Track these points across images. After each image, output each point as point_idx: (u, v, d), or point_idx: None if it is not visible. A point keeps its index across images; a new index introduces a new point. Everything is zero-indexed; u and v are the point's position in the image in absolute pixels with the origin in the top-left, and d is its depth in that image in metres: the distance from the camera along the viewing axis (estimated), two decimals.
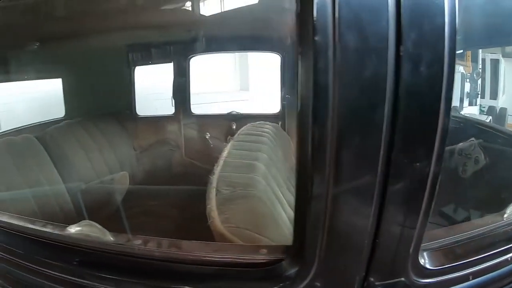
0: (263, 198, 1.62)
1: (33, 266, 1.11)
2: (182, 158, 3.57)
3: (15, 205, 2.20)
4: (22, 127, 3.10)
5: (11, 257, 1.18)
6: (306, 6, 0.66)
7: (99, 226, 1.07)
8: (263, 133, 2.59)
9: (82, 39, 3.03)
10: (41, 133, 2.87)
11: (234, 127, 3.30)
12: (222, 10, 3.09)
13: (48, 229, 1.15)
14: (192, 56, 3.54)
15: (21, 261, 1.15)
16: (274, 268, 0.87)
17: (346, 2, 0.63)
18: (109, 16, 2.86)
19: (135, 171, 3.50)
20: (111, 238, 1.04)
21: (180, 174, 3.49)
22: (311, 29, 0.65)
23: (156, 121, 3.87)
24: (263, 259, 0.89)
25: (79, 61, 3.40)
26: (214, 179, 1.68)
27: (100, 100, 3.53)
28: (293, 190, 1.93)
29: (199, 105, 3.90)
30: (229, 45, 3.54)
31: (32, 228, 1.17)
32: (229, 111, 3.63)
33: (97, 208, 2.45)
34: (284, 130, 3.22)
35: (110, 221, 1.24)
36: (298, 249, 0.84)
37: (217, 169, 1.80)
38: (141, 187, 3.12)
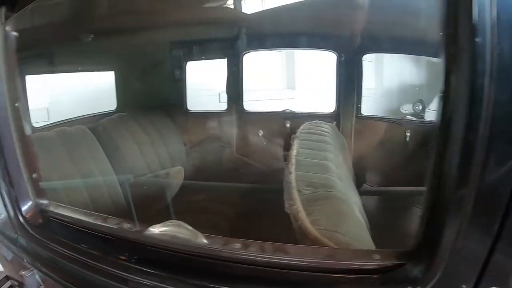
0: (344, 200, 1.55)
1: (105, 267, 1.07)
2: (233, 155, 3.51)
3: (68, 195, 2.19)
4: (76, 118, 3.13)
5: (78, 256, 1.15)
6: (464, 6, 0.60)
7: (189, 227, 1.00)
8: (324, 132, 2.51)
9: (136, 33, 3.03)
10: (93, 125, 2.87)
11: (288, 125, 3.20)
12: (279, 6, 3.01)
13: (125, 228, 1.10)
14: (246, 53, 3.48)
15: (88, 260, 1.12)
16: (397, 272, 0.80)
17: (505, 3, 0.58)
18: (164, 11, 2.84)
19: (185, 166, 3.44)
20: (204, 241, 0.96)
21: (230, 170, 3.43)
22: (470, 30, 0.60)
23: (208, 117, 3.82)
24: (379, 264, 0.82)
25: (132, 55, 3.42)
26: (292, 178, 1.58)
27: (152, 94, 3.54)
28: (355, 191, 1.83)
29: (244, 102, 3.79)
30: (284, 42, 3.52)
31: (107, 227, 1.14)
32: (282, 109, 3.51)
33: (150, 202, 2.42)
34: (339, 130, 3.09)
35: (161, 216, 1.14)
36: (427, 253, 0.76)
37: (292, 168, 1.69)
38: (195, 182, 3.05)
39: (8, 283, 2.12)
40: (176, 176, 2.95)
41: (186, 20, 2.98)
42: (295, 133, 2.63)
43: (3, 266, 2.02)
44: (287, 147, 2.99)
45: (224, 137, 3.61)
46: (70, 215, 1.23)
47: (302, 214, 1.26)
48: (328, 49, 3.21)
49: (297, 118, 3.27)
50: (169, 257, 0.97)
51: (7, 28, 1.18)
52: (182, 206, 2.50)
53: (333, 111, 3.25)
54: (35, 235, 1.27)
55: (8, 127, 1.19)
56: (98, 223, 1.14)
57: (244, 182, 3.11)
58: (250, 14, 3.08)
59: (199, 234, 0.96)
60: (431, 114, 3.65)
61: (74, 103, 3.72)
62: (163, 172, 3.06)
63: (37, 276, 1.36)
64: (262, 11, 3.07)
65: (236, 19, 3.18)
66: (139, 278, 0.98)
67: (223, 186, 2.97)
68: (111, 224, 1.11)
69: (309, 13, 2.74)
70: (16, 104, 1.19)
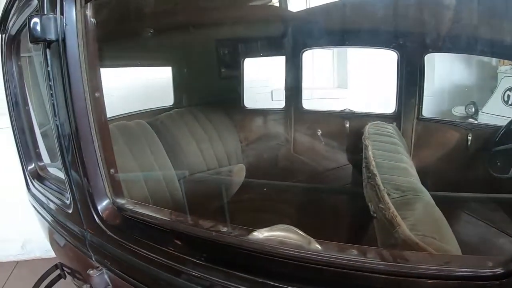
0: (434, 204, 1.48)
1: (195, 272, 0.99)
2: (289, 154, 3.46)
3: (128, 188, 2.16)
4: (134, 113, 3.15)
5: (163, 259, 1.07)
6: None
7: (301, 232, 0.90)
8: (390, 133, 2.45)
9: (194, 30, 3.03)
10: (152, 119, 2.86)
11: (347, 125, 3.08)
12: (340, 1, 2.89)
13: (224, 231, 1.00)
14: (306, 50, 3.38)
15: (175, 264, 1.04)
16: None
17: None
18: (223, 8, 2.80)
19: (240, 163, 3.43)
20: (318, 247, 0.86)
21: (286, 169, 3.37)
22: None
23: (265, 114, 3.78)
24: (494, 271, 0.73)
25: (190, 51, 3.42)
26: (379, 181, 1.50)
27: (209, 90, 3.53)
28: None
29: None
30: (344, 40, 3.36)
31: (203, 230, 1.04)
32: (342, 109, 3.39)
33: (211, 198, 2.37)
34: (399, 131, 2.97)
35: (219, 214, 1.03)
36: None
37: (376, 170, 1.60)
38: (255, 181, 2.98)
39: (57, 272, 2.12)
40: (238, 174, 2.93)
41: (245, 17, 2.95)
42: (355, 133, 2.53)
43: (56, 253, 2.01)
44: (346, 147, 2.90)
45: (281, 135, 3.53)
46: (153, 215, 1.16)
47: (400, 219, 1.18)
48: (389, 48, 3.09)
49: (357, 118, 3.20)
50: (274, 263, 0.88)
51: (87, 12, 1.10)
52: (242, 204, 2.46)
53: (394, 112, 3.13)
54: (111, 234, 1.20)
55: (87, 119, 1.12)
56: (190, 226, 1.05)
57: (300, 181, 3.03)
58: (310, 9, 2.97)
59: (312, 240, 0.86)
60: (485, 117, 3.57)
61: (129, 98, 3.74)
62: (225, 169, 3.06)
63: (105, 276, 1.30)
64: (323, 6, 2.94)
65: (296, 15, 3.07)
66: (234, 285, 0.91)
67: (283, 185, 2.87)
68: (206, 226, 1.02)
69: (372, 10, 2.60)
70: (96, 94, 1.12)
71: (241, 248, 0.93)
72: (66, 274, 2.20)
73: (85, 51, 1.13)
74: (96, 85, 1.15)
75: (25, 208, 3.90)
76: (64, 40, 1.11)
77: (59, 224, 1.65)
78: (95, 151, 1.19)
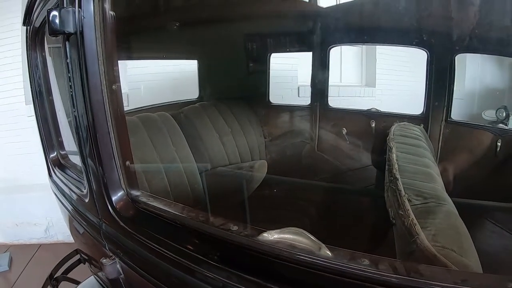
0: (456, 214, 1.41)
1: (200, 268, 0.99)
2: (313, 151, 3.42)
3: (149, 180, 2.19)
4: (158, 105, 3.17)
5: (172, 253, 1.08)
6: None
7: (311, 237, 0.87)
8: (417, 136, 2.37)
9: (220, 23, 3.01)
10: (175, 112, 2.88)
11: (373, 125, 3.02)
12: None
13: (233, 230, 0.99)
14: (333, 46, 3.34)
15: (182, 259, 1.04)
16: None
17: None
18: (251, 2, 2.77)
19: (263, 158, 3.41)
20: (329, 253, 0.83)
21: (309, 167, 3.34)
22: None
23: (290, 111, 3.76)
24: None
25: (216, 45, 3.41)
26: (400, 185, 1.45)
27: (234, 85, 3.52)
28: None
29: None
30: (374, 37, 3.27)
31: (213, 227, 1.03)
32: (368, 108, 3.33)
33: (231, 193, 2.37)
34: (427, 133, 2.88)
35: (238, 209, 1.02)
36: None
37: (398, 174, 1.56)
38: (276, 177, 2.96)
39: (77, 256, 2.18)
40: (259, 170, 2.91)
41: (272, 12, 2.91)
42: (381, 133, 2.48)
43: (75, 240, 2.05)
44: (371, 148, 2.84)
45: (306, 132, 3.49)
46: (166, 209, 1.17)
47: (419, 228, 1.14)
48: (420, 47, 2.97)
49: (383, 118, 3.11)
50: (279, 266, 0.86)
51: (105, 5, 1.11)
52: (262, 201, 2.45)
53: (421, 113, 3.03)
54: (124, 225, 1.21)
55: (103, 111, 1.13)
56: (201, 222, 1.05)
57: (323, 180, 2.99)
58: (339, 5, 2.92)
59: (323, 246, 0.84)
60: None
61: (154, 90, 3.78)
62: (246, 165, 3.05)
63: (118, 266, 1.32)
64: (352, 2, 2.90)
65: (325, 11, 3.03)
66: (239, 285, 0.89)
67: (305, 182, 2.84)
68: (217, 224, 1.02)
69: (403, 7, 2.57)
70: (113, 86, 1.13)
71: (249, 249, 0.92)
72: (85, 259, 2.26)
73: (103, 44, 1.13)
74: (113, 78, 1.16)
75: (49, 194, 4.03)
76: (82, 32, 1.12)
77: (77, 212, 1.68)
78: (111, 143, 1.19)
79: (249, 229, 0.97)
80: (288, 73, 4.52)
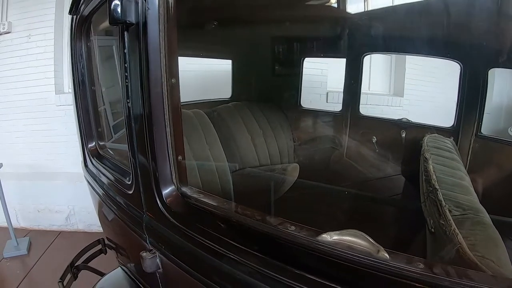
0: (493, 226, 1.41)
1: (257, 267, 0.98)
2: (342, 158, 3.40)
3: None
4: (192, 102, 3.19)
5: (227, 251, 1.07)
6: None
7: (370, 239, 0.87)
8: (449, 148, 2.35)
9: (257, 26, 3.02)
10: (209, 110, 2.88)
11: (404, 135, 2.98)
12: (406, 4, 2.79)
13: (290, 229, 0.98)
14: (367, 54, 3.31)
15: (236, 256, 1.04)
16: None
17: None
18: (288, 6, 2.77)
19: (292, 162, 3.42)
20: (387, 256, 0.83)
21: (337, 173, 3.31)
22: None
23: (321, 116, 3.77)
24: None
25: (252, 46, 3.42)
26: (440, 196, 1.47)
27: (267, 87, 3.54)
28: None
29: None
30: (407, 47, 3.27)
31: (270, 226, 1.02)
32: (400, 118, 3.29)
33: (261, 194, 2.37)
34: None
35: (268, 212, 1.01)
36: None
37: (437, 185, 1.57)
38: (306, 181, 2.95)
39: (98, 246, 2.18)
40: (292, 173, 2.91)
41: (309, 17, 2.90)
42: (411, 144, 2.45)
43: (104, 229, 2.06)
44: (401, 158, 2.81)
45: (335, 138, 3.48)
46: (220, 206, 1.16)
47: (461, 238, 1.14)
48: (453, 59, 2.94)
49: (413, 129, 3.08)
50: (338, 267, 0.86)
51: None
52: (289, 204, 2.44)
53: (452, 126, 3.00)
54: (173, 220, 1.20)
55: (161, 104, 1.12)
56: (257, 221, 1.04)
57: (349, 186, 2.96)
58: (375, 12, 2.89)
59: (381, 248, 0.84)
60: None
61: (189, 88, 3.81)
62: (279, 167, 3.05)
63: (158, 260, 1.32)
64: (388, 9, 2.86)
65: (360, 18, 3.00)
66: (295, 283, 0.90)
67: (333, 188, 2.82)
68: (274, 223, 1.01)
69: (439, 18, 2.51)
70: (173, 80, 1.12)
71: (308, 249, 0.91)
72: (107, 250, 2.26)
73: (166, 37, 1.13)
74: (173, 71, 1.16)
75: (74, 183, 4.07)
76: (145, 24, 1.12)
77: (115, 204, 1.68)
78: (166, 137, 1.19)
79: (307, 230, 0.97)
80: (318, 78, 4.51)
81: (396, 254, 0.84)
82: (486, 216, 1.47)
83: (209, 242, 1.11)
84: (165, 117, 1.17)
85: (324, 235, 0.92)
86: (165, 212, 1.24)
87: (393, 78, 5.13)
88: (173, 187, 1.25)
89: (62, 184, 4.45)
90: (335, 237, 0.91)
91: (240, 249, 1.04)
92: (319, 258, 0.90)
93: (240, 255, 1.03)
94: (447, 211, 1.35)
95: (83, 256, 2.30)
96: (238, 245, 1.05)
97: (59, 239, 4.39)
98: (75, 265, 2.20)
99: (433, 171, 1.76)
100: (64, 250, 3.89)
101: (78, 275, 2.20)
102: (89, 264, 2.31)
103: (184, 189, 1.26)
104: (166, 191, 1.25)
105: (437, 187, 1.56)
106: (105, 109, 2.14)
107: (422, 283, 0.76)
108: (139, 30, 1.14)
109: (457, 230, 1.18)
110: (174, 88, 1.17)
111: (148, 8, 1.11)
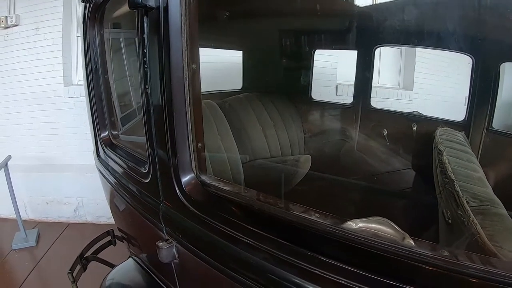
0: (510, 218, 1.38)
1: (280, 254, 0.97)
2: (352, 150, 3.37)
3: None
4: (204, 93, 3.17)
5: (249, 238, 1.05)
6: None
7: (396, 227, 0.86)
8: (461, 141, 2.34)
9: (268, 17, 2.99)
10: (221, 101, 2.87)
11: (415, 128, 2.95)
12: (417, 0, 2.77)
13: (317, 218, 0.97)
14: (378, 47, 3.28)
15: (259, 244, 1.02)
16: None
17: None
18: None
19: (302, 153, 3.41)
20: (412, 243, 0.82)
21: (347, 166, 3.29)
22: None
23: (331, 108, 3.74)
24: None
25: (263, 38, 3.43)
26: (457, 187, 1.46)
27: (278, 78, 3.56)
28: None
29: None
30: (419, 39, 3.17)
31: (294, 214, 1.01)
32: (411, 111, 3.28)
33: (273, 185, 2.34)
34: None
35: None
36: None
37: (453, 176, 1.57)
38: (317, 173, 2.94)
39: (108, 238, 2.18)
40: (304, 165, 2.90)
41: (322, 8, 2.86)
42: (422, 137, 2.43)
43: (116, 220, 2.06)
44: (413, 151, 2.79)
45: (346, 131, 3.46)
46: (241, 193, 1.17)
47: (480, 228, 1.14)
48: (465, 52, 2.90)
49: (424, 122, 3.05)
50: (364, 254, 0.85)
51: None
52: (300, 195, 2.43)
53: (463, 120, 2.96)
54: (193, 208, 1.18)
55: (183, 90, 1.11)
56: (280, 209, 1.03)
57: (360, 179, 2.95)
58: (387, 4, 2.87)
59: (407, 236, 0.83)
60: None
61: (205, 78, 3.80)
62: (291, 158, 3.03)
63: (174, 250, 1.30)
64: (401, 2, 2.83)
65: (372, 9, 2.98)
66: (319, 270, 0.89)
67: (346, 181, 2.81)
68: (297, 211, 1.00)
69: (452, 11, 2.51)
70: (193, 65, 1.10)
71: (334, 236, 0.90)
72: (116, 241, 2.26)
73: (188, 21, 1.11)
74: (194, 57, 1.14)
75: (83, 175, 4.08)
76: (166, 8, 1.11)
77: (129, 193, 1.66)
78: (187, 123, 1.17)
79: (331, 217, 0.96)
80: (328, 71, 4.49)
81: (421, 241, 0.83)
82: (502, 208, 1.45)
83: (229, 229, 1.10)
84: (186, 103, 1.15)
85: (349, 223, 0.91)
86: (184, 200, 1.22)
87: (402, 71, 5.09)
88: (193, 175, 1.23)
89: (71, 176, 4.46)
90: (361, 224, 0.90)
91: (262, 236, 1.02)
92: (345, 245, 0.89)
93: (262, 242, 1.01)
94: (465, 202, 1.34)
95: (92, 248, 2.30)
96: (260, 232, 1.03)
97: (68, 231, 4.41)
98: (85, 256, 2.20)
99: (449, 162, 1.75)
100: (73, 241, 3.90)
101: (88, 266, 2.20)
102: (98, 256, 2.31)
103: (203, 177, 1.25)
104: (185, 179, 1.23)
105: (454, 178, 1.55)
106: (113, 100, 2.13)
107: (447, 270, 0.76)
108: (159, 14, 1.12)
109: (475, 220, 1.18)
110: (195, 73, 1.15)
111: None
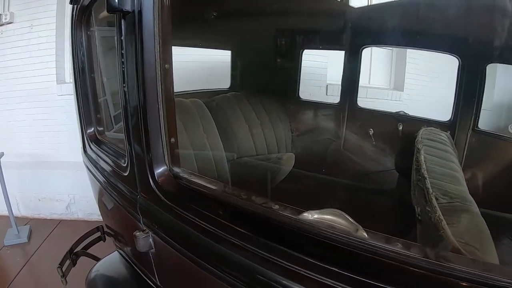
0: (480, 216, 1.43)
1: (243, 243, 1.03)
2: (339, 149, 3.42)
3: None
4: (191, 91, 3.22)
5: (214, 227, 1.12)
6: None
7: (350, 219, 0.91)
8: (444, 141, 2.37)
9: (257, 16, 3.00)
10: (208, 100, 2.92)
11: (401, 128, 3.01)
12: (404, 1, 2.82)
13: (274, 208, 1.04)
14: (366, 47, 3.33)
15: (227, 235, 1.08)
16: None
17: None
18: None
19: (289, 152, 3.43)
20: (365, 235, 0.87)
21: (335, 164, 3.33)
22: None
23: (319, 107, 3.78)
24: None
25: (251, 37, 3.48)
26: (428, 184, 1.50)
27: (266, 78, 3.56)
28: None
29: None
30: (406, 40, 3.23)
31: (256, 205, 1.08)
32: (397, 111, 3.32)
33: (256, 183, 2.40)
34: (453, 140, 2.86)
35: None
36: None
37: (426, 174, 1.61)
38: (302, 172, 2.99)
39: (97, 233, 2.23)
40: (287, 162, 2.94)
41: (308, 8, 2.91)
42: (407, 137, 2.48)
43: (102, 215, 2.11)
44: (397, 150, 2.84)
45: (333, 130, 3.51)
46: (209, 186, 1.22)
47: (445, 224, 1.17)
48: (452, 53, 2.95)
49: (410, 122, 3.10)
50: (318, 244, 0.90)
51: None
52: (285, 193, 2.47)
53: (449, 120, 3.02)
54: (165, 199, 1.25)
55: (155, 88, 1.17)
56: (244, 200, 1.10)
57: (346, 178, 2.99)
58: (374, 6, 2.92)
59: (360, 228, 0.88)
60: None
61: (187, 77, 3.84)
62: (274, 156, 3.08)
63: (150, 239, 1.36)
64: (387, 4, 2.89)
65: (359, 11, 3.03)
66: (280, 260, 0.94)
67: (330, 179, 2.86)
68: (259, 202, 1.06)
69: (438, 12, 2.52)
70: (166, 65, 1.17)
71: (290, 227, 0.96)
72: (106, 237, 2.31)
73: (160, 24, 1.18)
74: (167, 57, 1.21)
75: (75, 172, 4.13)
76: (140, 12, 1.18)
77: (111, 186, 1.73)
78: (160, 119, 1.24)
79: (290, 209, 1.01)
80: (318, 71, 4.54)
81: (375, 233, 0.88)
82: (474, 206, 1.49)
83: (198, 220, 1.16)
84: (159, 100, 1.21)
85: (305, 214, 0.97)
86: (157, 191, 1.29)
87: (393, 72, 5.15)
88: (165, 167, 1.30)
89: (63, 173, 4.50)
90: (316, 216, 0.95)
91: (228, 227, 1.08)
92: (301, 235, 0.94)
93: (228, 233, 1.07)
94: (434, 198, 1.38)
95: (82, 243, 2.34)
96: (226, 223, 1.09)
97: (60, 227, 4.45)
98: (74, 251, 2.23)
99: (424, 161, 1.79)
100: (64, 238, 3.93)
101: (77, 262, 2.22)
102: (88, 251, 2.35)
103: (176, 169, 1.31)
104: (158, 171, 1.30)
105: (426, 175, 1.59)
106: (106, 99, 2.18)
107: (399, 261, 0.80)
108: (135, 18, 1.19)
109: (441, 217, 1.21)
110: (167, 73, 1.22)
111: None
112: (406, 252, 0.81)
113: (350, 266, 0.85)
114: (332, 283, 0.85)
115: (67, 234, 4.13)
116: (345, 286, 0.83)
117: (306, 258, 0.90)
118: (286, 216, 0.99)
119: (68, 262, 2.14)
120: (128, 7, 1.18)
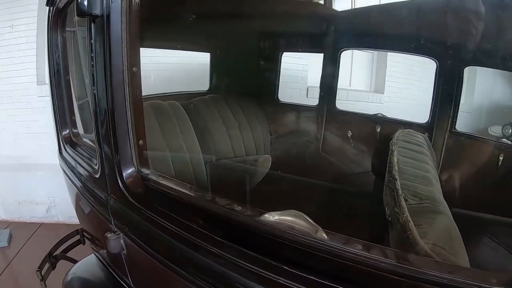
0: (450, 217, 1.46)
1: (204, 244, 1.06)
2: (317, 152, 3.46)
3: (155, 166, 2.23)
4: (169, 94, 3.22)
5: (179, 229, 1.14)
6: None
7: (310, 220, 0.93)
8: (420, 143, 2.41)
9: (236, 19, 3.02)
10: (186, 102, 2.92)
11: (379, 130, 3.05)
12: (385, 4, 2.88)
13: (237, 210, 1.06)
14: (344, 50, 3.36)
15: (188, 235, 1.11)
16: None
17: None
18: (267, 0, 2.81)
19: (268, 154, 3.44)
20: (324, 236, 0.88)
21: (313, 167, 3.36)
22: None
23: (297, 110, 3.80)
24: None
25: (230, 40, 3.49)
26: (398, 185, 1.52)
27: (244, 80, 3.60)
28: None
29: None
30: (384, 43, 3.30)
31: (219, 207, 1.10)
32: (375, 113, 3.35)
33: (233, 185, 2.41)
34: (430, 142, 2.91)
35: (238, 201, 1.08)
36: None
37: (397, 175, 1.62)
38: (278, 173, 3.00)
39: (77, 237, 2.23)
40: (263, 164, 2.96)
41: (287, 11, 2.94)
42: (384, 139, 2.51)
43: (79, 217, 2.11)
44: (374, 152, 2.88)
45: (311, 132, 3.54)
46: (175, 187, 1.24)
47: (412, 225, 1.18)
48: (429, 56, 3.00)
49: (389, 124, 3.17)
50: (279, 245, 0.92)
51: None
52: (262, 195, 2.48)
53: (426, 122, 3.06)
54: (133, 201, 1.27)
55: (123, 91, 1.19)
56: (207, 201, 1.13)
57: (324, 180, 3.02)
58: (353, 10, 2.96)
59: (320, 229, 0.89)
60: None
61: (165, 79, 3.84)
62: (251, 158, 3.09)
63: (121, 241, 1.38)
64: (366, 8, 2.93)
65: (338, 14, 3.07)
66: (242, 262, 0.96)
67: (306, 181, 2.88)
68: (222, 204, 1.08)
69: (417, 16, 2.60)
70: (134, 68, 1.19)
71: (251, 228, 0.98)
72: (85, 240, 2.31)
73: (127, 28, 1.20)
74: (134, 61, 1.22)
75: (55, 174, 4.09)
76: (108, 16, 1.20)
77: (85, 188, 1.74)
78: (127, 122, 1.26)
79: (252, 210, 1.03)
80: (299, 73, 4.58)
81: (335, 235, 0.90)
82: (444, 207, 1.51)
83: (164, 221, 1.19)
84: (126, 103, 1.23)
85: (266, 215, 0.98)
86: (126, 193, 1.31)
87: (374, 75, 5.21)
88: (133, 169, 1.32)
89: (43, 175, 4.46)
90: (276, 217, 0.97)
91: (192, 228, 1.11)
92: (262, 236, 0.96)
93: (192, 234, 1.10)
94: (402, 199, 1.40)
95: (62, 246, 2.33)
96: (190, 224, 1.12)
97: (40, 230, 4.41)
98: (53, 255, 2.22)
99: (396, 162, 1.82)
100: (45, 241, 3.87)
101: (57, 265, 2.22)
102: (67, 254, 2.34)
103: (144, 171, 1.33)
104: (126, 173, 1.31)
105: (397, 177, 1.61)
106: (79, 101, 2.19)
107: (358, 263, 0.81)
108: (103, 22, 1.21)
109: (409, 218, 1.23)
110: (135, 76, 1.23)
111: (112, 2, 1.18)
112: (365, 253, 0.83)
113: (308, 267, 0.87)
114: (290, 284, 0.87)
115: (47, 238, 4.09)
116: (301, 287, 0.85)
117: (264, 259, 0.93)
118: (248, 217, 1.01)
119: (47, 265, 2.13)
120: (97, 11, 1.20)
